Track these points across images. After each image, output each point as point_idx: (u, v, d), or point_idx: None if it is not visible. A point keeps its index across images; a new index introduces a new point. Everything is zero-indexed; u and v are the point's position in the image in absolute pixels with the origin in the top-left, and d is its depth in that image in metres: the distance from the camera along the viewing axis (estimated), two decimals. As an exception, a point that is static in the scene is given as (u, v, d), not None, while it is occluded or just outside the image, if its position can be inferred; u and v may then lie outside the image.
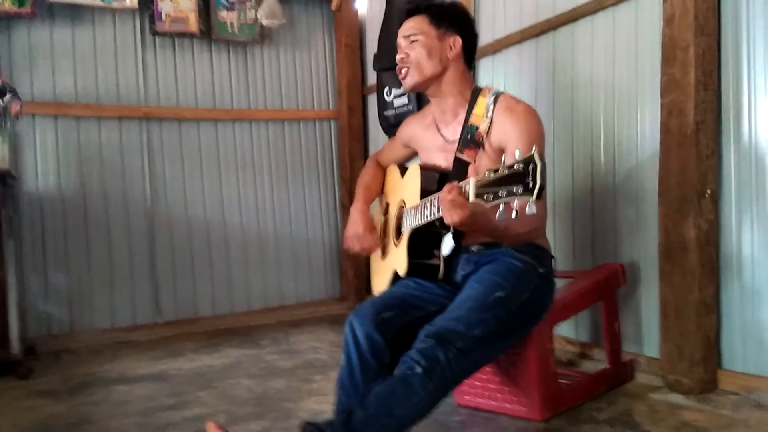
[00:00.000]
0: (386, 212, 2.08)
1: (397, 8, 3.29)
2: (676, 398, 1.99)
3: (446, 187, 1.46)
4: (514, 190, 1.22)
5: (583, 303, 2.21)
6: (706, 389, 1.98)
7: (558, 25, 2.56)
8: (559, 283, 2.19)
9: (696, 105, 1.97)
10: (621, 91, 2.33)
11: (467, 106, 1.86)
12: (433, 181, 1.82)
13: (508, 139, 1.75)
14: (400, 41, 1.90)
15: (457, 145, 1.83)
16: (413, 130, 2.07)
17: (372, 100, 3.88)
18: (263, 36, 3.80)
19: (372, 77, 3.83)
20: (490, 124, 1.79)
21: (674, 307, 2.02)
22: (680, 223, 2.01)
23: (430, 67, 1.85)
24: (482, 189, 1.31)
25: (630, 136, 2.30)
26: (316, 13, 4.05)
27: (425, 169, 1.85)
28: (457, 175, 1.78)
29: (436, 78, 1.87)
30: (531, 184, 1.20)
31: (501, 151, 1.78)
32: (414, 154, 2.13)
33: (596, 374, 2.18)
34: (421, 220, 1.70)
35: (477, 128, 1.80)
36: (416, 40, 1.86)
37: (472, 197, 1.35)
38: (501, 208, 1.27)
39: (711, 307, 2.00)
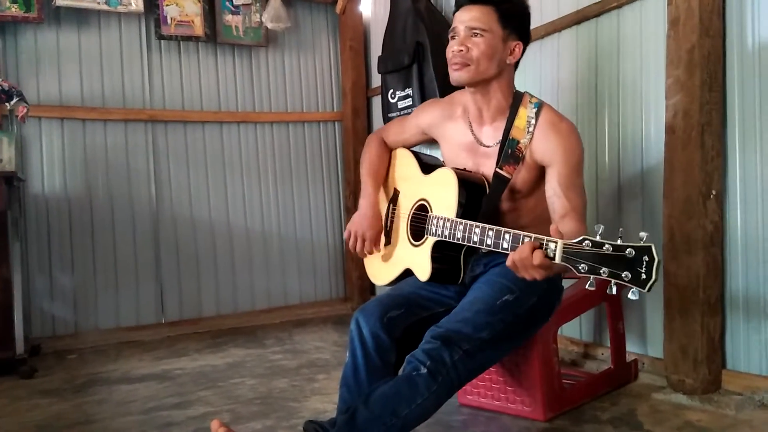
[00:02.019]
0: (394, 200, 1.98)
1: (403, 10, 3.30)
2: (680, 398, 1.99)
3: (527, 246, 1.38)
4: (622, 275, 1.21)
5: (587, 303, 2.21)
6: (710, 389, 1.98)
7: (562, 27, 2.57)
8: (564, 283, 2.19)
9: (701, 106, 1.97)
10: (625, 93, 2.33)
11: (508, 113, 1.76)
12: (469, 192, 1.71)
13: (552, 159, 1.68)
14: (459, 28, 1.71)
15: (497, 158, 1.74)
16: (437, 118, 1.91)
17: (376, 103, 3.89)
18: (268, 39, 3.82)
19: (376, 80, 3.85)
20: (531, 138, 1.71)
21: (678, 307, 2.02)
22: (685, 223, 2.00)
23: (488, 69, 1.71)
24: (573, 257, 1.28)
25: (635, 137, 2.30)
26: (320, 16, 4.07)
27: (462, 178, 1.73)
28: (496, 190, 1.73)
29: (489, 80, 1.73)
30: (644, 277, 1.19)
31: (540, 167, 1.72)
32: (425, 141, 2.02)
33: (599, 374, 2.18)
34: (463, 242, 1.60)
35: (518, 142, 1.72)
36: (481, 36, 1.68)
37: (558, 260, 1.32)
38: (593, 279, 1.25)
39: (715, 308, 2.00)
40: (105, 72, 3.44)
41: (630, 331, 2.29)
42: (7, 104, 2.87)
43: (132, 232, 3.50)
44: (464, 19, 1.71)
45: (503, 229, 1.49)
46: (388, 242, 1.96)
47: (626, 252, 1.21)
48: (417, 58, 3.17)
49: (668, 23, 2.06)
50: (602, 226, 1.26)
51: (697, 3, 1.96)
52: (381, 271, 1.98)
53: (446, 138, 1.89)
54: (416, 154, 1.99)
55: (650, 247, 1.20)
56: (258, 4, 3.73)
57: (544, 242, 1.36)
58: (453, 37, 1.74)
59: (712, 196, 1.99)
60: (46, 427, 2.08)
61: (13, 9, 3.13)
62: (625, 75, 2.34)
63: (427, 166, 1.91)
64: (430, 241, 1.74)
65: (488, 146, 1.78)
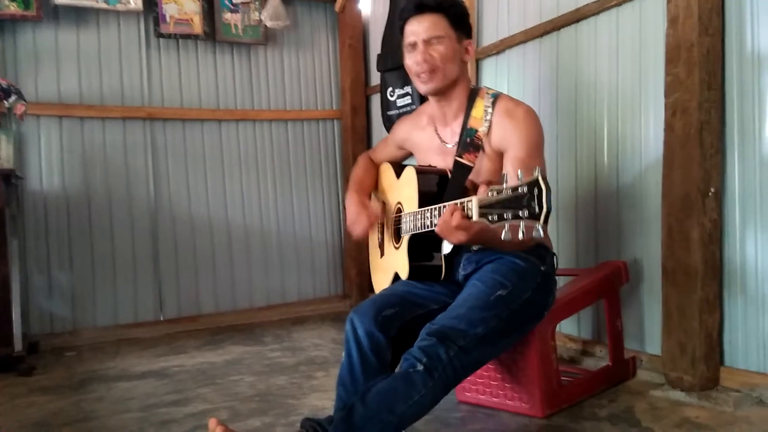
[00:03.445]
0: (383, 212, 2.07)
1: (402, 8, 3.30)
2: (678, 395, 1.99)
3: (448, 209, 1.46)
4: (520, 214, 1.21)
5: (585, 300, 2.21)
6: (708, 386, 1.98)
7: (561, 25, 2.57)
8: (562, 280, 2.19)
9: (700, 104, 1.97)
10: (625, 91, 2.33)
11: (466, 107, 1.84)
12: (431, 184, 1.79)
13: (508, 144, 1.74)
14: (419, 42, 1.80)
15: (456, 149, 1.82)
16: (407, 131, 2.05)
17: (375, 101, 3.89)
18: (267, 37, 3.82)
19: (375, 77, 3.85)
20: (489, 127, 1.78)
21: (677, 304, 2.02)
22: (684, 221, 2.01)
23: (453, 71, 1.81)
24: (485, 209, 1.30)
25: (634, 135, 2.30)
26: (319, 14, 4.07)
27: (421, 173, 1.82)
28: (457, 178, 1.78)
29: (454, 83, 1.83)
30: (537, 210, 1.19)
31: (501, 154, 1.77)
32: (408, 155, 2.12)
33: (598, 371, 2.18)
34: (421, 229, 1.68)
35: (476, 131, 1.79)
36: (440, 42, 1.78)
37: (475, 217, 1.34)
38: (506, 227, 1.25)
39: (713, 305, 2.00)
40: (104, 70, 3.44)
41: (628, 328, 2.29)
42: (5, 102, 2.86)
43: (130, 230, 3.50)
44: (419, 31, 1.80)
45: (442, 204, 1.55)
46: (382, 253, 2.00)
47: (520, 191, 1.22)
48: (416, 56, 3.16)
49: (667, 21, 2.06)
50: (507, 174, 1.29)
51: (696, 1, 1.96)
52: (380, 280, 2.03)
53: (417, 147, 2.00)
54: (394, 163, 2.08)
55: (536, 179, 1.19)
56: (257, 3, 3.72)
57: (464, 203, 1.41)
58: (412, 50, 1.82)
59: (710, 194, 1.99)
60: (44, 425, 2.08)
61: (12, 7, 3.13)
62: (624, 73, 2.33)
63: (400, 171, 1.97)
64: (405, 239, 1.80)
65: (451, 144, 1.86)
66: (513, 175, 1.61)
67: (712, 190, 1.99)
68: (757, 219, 1.95)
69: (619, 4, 2.32)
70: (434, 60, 1.78)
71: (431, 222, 1.62)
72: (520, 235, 1.24)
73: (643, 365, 2.24)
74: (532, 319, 1.80)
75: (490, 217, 1.29)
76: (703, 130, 1.97)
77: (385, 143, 2.18)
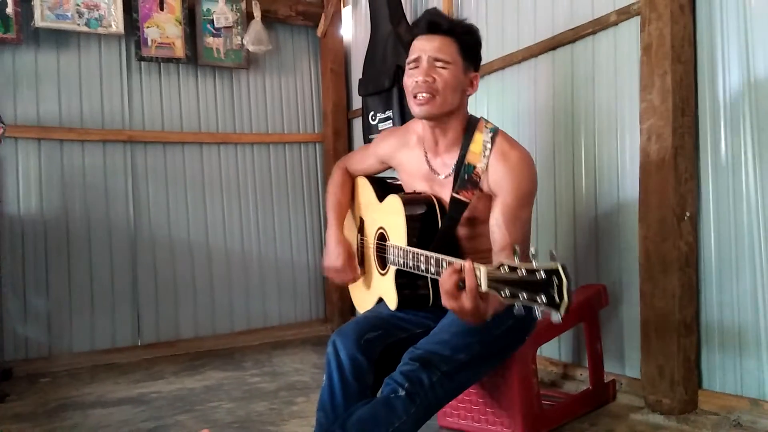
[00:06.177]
0: (361, 230, 2.02)
1: (383, 34, 3.35)
2: (657, 418, 2.00)
3: (455, 270, 1.35)
4: (537, 299, 1.15)
5: (565, 324, 2.22)
6: (687, 409, 2.00)
7: (539, 52, 2.61)
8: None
9: (674, 130, 2.01)
10: (601, 117, 2.38)
11: (462, 140, 1.74)
12: (418, 216, 1.73)
13: (499, 189, 1.65)
14: (422, 58, 1.68)
15: (452, 184, 1.72)
16: (393, 147, 1.93)
17: (357, 124, 3.92)
18: (249, 61, 3.83)
19: (357, 102, 3.87)
20: (487, 164, 1.68)
21: (655, 327, 2.04)
22: (660, 244, 2.04)
23: (452, 101, 1.69)
24: (495, 283, 1.23)
25: (610, 160, 2.34)
26: (301, 39, 4.10)
27: (408, 203, 1.74)
28: (453, 215, 1.71)
29: (451, 113, 1.72)
30: (558, 300, 1.13)
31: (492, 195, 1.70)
32: (387, 169, 2.03)
33: (578, 395, 2.19)
34: (413, 270, 1.61)
35: (474, 167, 1.69)
36: (445, 67, 1.67)
37: (484, 287, 1.26)
38: (518, 305, 1.19)
39: (691, 328, 2.02)
40: (84, 93, 3.42)
41: (608, 351, 2.30)
42: (-18, 124, 2.84)
43: (109, 254, 3.45)
44: (427, 49, 1.68)
45: (442, 257, 1.46)
46: (363, 272, 1.99)
47: (537, 275, 1.16)
48: (397, 80, 3.20)
49: (641, 49, 2.11)
50: (522, 247, 1.24)
51: (669, 30, 2.01)
52: (362, 299, 2.01)
53: (403, 166, 1.91)
54: (372, 181, 2.02)
55: (557, 268, 1.14)
56: (239, 27, 3.74)
57: (469, 270, 1.32)
58: (415, 67, 1.70)
59: (686, 218, 2.02)
60: (16, 454, 2.03)
61: (-9, 30, 3.11)
62: (600, 99, 2.38)
63: (381, 193, 1.92)
64: (392, 270, 1.76)
65: (443, 175, 1.78)
66: (504, 242, 1.57)
67: (688, 214, 2.03)
68: (732, 242, 1.98)
69: (594, 33, 2.38)
70: (435, 84, 1.65)
71: (426, 269, 1.54)
72: (537, 316, 1.18)
73: (623, 388, 2.25)
74: (514, 344, 1.80)
75: (502, 292, 1.21)
76: (678, 156, 2.01)
77: (364, 154, 2.05)
